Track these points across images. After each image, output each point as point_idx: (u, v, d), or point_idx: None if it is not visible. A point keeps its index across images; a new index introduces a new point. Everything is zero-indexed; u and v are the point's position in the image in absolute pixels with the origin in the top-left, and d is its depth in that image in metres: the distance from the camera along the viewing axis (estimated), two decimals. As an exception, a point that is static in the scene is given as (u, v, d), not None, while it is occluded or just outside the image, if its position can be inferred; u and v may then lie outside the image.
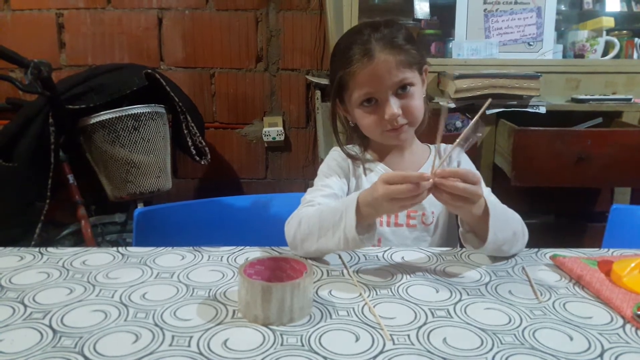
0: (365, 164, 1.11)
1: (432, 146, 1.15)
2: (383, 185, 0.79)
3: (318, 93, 2.14)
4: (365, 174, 1.11)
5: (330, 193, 1.03)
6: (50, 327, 0.67)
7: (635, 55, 2.10)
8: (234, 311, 0.71)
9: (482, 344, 0.65)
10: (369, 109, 1.01)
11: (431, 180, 0.78)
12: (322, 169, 1.11)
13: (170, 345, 0.63)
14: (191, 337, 0.65)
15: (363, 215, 0.84)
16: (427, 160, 1.11)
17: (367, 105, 1.01)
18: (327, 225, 0.87)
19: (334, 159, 1.12)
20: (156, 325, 0.68)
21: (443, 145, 1.10)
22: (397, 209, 0.82)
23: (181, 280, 0.81)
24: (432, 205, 1.07)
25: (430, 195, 0.95)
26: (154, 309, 0.72)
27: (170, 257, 0.90)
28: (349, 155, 1.12)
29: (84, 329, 0.67)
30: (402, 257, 0.93)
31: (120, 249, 0.94)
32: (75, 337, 0.64)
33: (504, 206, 0.96)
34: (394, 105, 0.98)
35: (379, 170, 1.09)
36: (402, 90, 1.00)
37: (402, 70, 0.98)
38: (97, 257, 0.90)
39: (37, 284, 0.79)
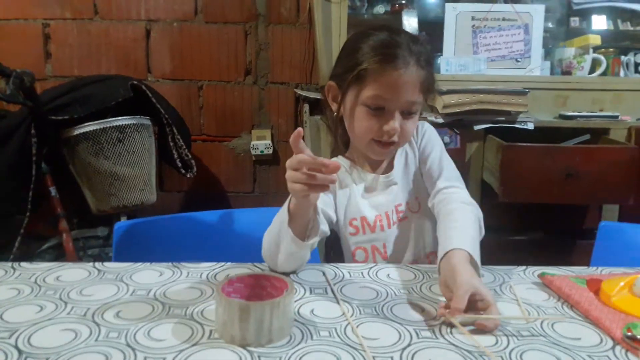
0: (354, 174, 1.09)
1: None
2: (290, 170, 0.77)
3: (306, 107, 2.12)
4: (356, 183, 1.08)
5: None
6: (16, 347, 0.63)
7: (621, 73, 2.12)
8: (210, 331, 0.69)
9: (467, 366, 0.62)
10: (373, 113, 0.97)
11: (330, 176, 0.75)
12: None
13: (142, 367, 0.60)
14: (164, 358, 0.62)
15: (292, 210, 0.83)
16: (397, 156, 1.09)
17: (372, 107, 0.97)
18: (274, 236, 0.87)
19: None
20: (128, 345, 0.65)
21: None
22: (301, 189, 0.76)
23: (157, 298, 0.78)
24: (414, 193, 1.07)
25: (402, 185, 1.03)
26: (127, 328, 0.69)
27: (147, 274, 0.87)
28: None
29: (52, 349, 0.63)
30: (388, 275, 0.90)
31: (96, 264, 0.91)
32: (41, 358, 0.61)
33: (470, 222, 0.92)
34: (397, 121, 0.96)
35: (374, 179, 1.08)
36: (407, 110, 0.98)
37: (419, 93, 0.97)
38: (72, 273, 0.87)
39: (5, 301, 0.76)
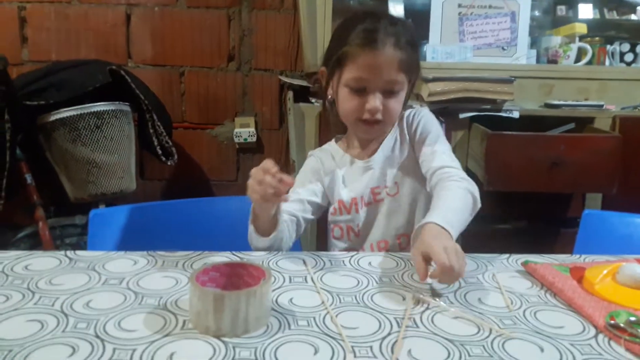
0: (343, 164, 1.12)
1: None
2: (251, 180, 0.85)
3: (290, 94, 2.09)
4: (339, 168, 1.12)
5: (295, 199, 1.07)
6: (-23, 339, 0.60)
7: (607, 62, 2.11)
8: (184, 321, 0.66)
9: (449, 356, 0.61)
10: (355, 93, 1.01)
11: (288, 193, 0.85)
12: (297, 176, 1.14)
13: (111, 359, 0.58)
14: (134, 350, 0.59)
15: (255, 212, 0.92)
16: (388, 134, 1.10)
17: (354, 88, 1.01)
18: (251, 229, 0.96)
19: (307, 164, 1.16)
20: (97, 336, 0.62)
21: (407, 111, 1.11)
22: (259, 197, 0.84)
23: (130, 287, 0.75)
24: (391, 178, 1.08)
25: (384, 168, 1.08)
26: (97, 319, 0.66)
27: (121, 262, 0.84)
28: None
29: (16, 341, 0.60)
30: (369, 263, 0.89)
31: (68, 253, 0.88)
32: (4, 350, 0.58)
33: (457, 197, 0.93)
34: (378, 100, 0.99)
35: (355, 167, 1.11)
36: (389, 89, 1.01)
37: (398, 72, 1.00)
38: (42, 262, 0.84)
39: (-31, 291, 0.72)
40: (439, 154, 1.04)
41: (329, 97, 1.09)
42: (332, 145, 1.17)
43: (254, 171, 0.83)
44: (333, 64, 1.03)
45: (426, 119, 1.10)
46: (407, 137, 1.10)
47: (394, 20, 1.03)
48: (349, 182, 1.11)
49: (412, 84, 1.06)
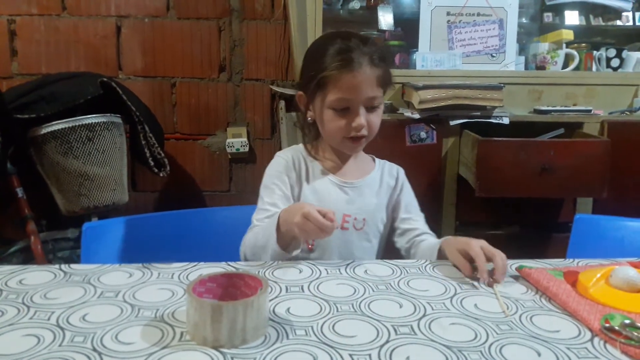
0: (312, 171, 1.12)
1: (377, 159, 1.19)
2: (302, 218, 0.87)
3: (282, 103, 2.10)
4: (309, 181, 1.11)
5: (275, 213, 1.04)
6: (-27, 355, 0.60)
7: (594, 68, 2.14)
8: (182, 333, 0.66)
9: (447, 362, 0.61)
10: (339, 113, 1.05)
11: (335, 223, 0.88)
12: (266, 182, 1.11)
13: (108, 372, 0.57)
14: (132, 363, 0.59)
15: (282, 232, 0.94)
16: (373, 170, 1.15)
17: (337, 109, 1.04)
18: (261, 244, 0.97)
19: (276, 169, 1.12)
20: (94, 350, 0.62)
21: (388, 163, 1.19)
22: (305, 236, 0.93)
23: (126, 300, 0.75)
24: (364, 213, 1.10)
25: (362, 203, 1.11)
26: (94, 332, 0.66)
27: (116, 275, 0.84)
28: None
29: (12, 356, 0.60)
30: (365, 271, 0.89)
31: (62, 266, 0.87)
32: (0, 366, 0.58)
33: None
34: (362, 117, 1.04)
35: (327, 180, 1.11)
36: (370, 105, 1.05)
37: (377, 88, 1.05)
38: (36, 276, 0.83)
39: (-37, 307, 0.72)
40: (422, 222, 1.15)
41: (309, 119, 1.12)
42: (302, 149, 1.16)
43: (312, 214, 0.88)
44: (313, 89, 1.05)
45: (407, 183, 1.18)
46: (387, 188, 1.15)
47: (364, 39, 1.05)
48: (319, 193, 1.10)
49: (384, 94, 1.11)
